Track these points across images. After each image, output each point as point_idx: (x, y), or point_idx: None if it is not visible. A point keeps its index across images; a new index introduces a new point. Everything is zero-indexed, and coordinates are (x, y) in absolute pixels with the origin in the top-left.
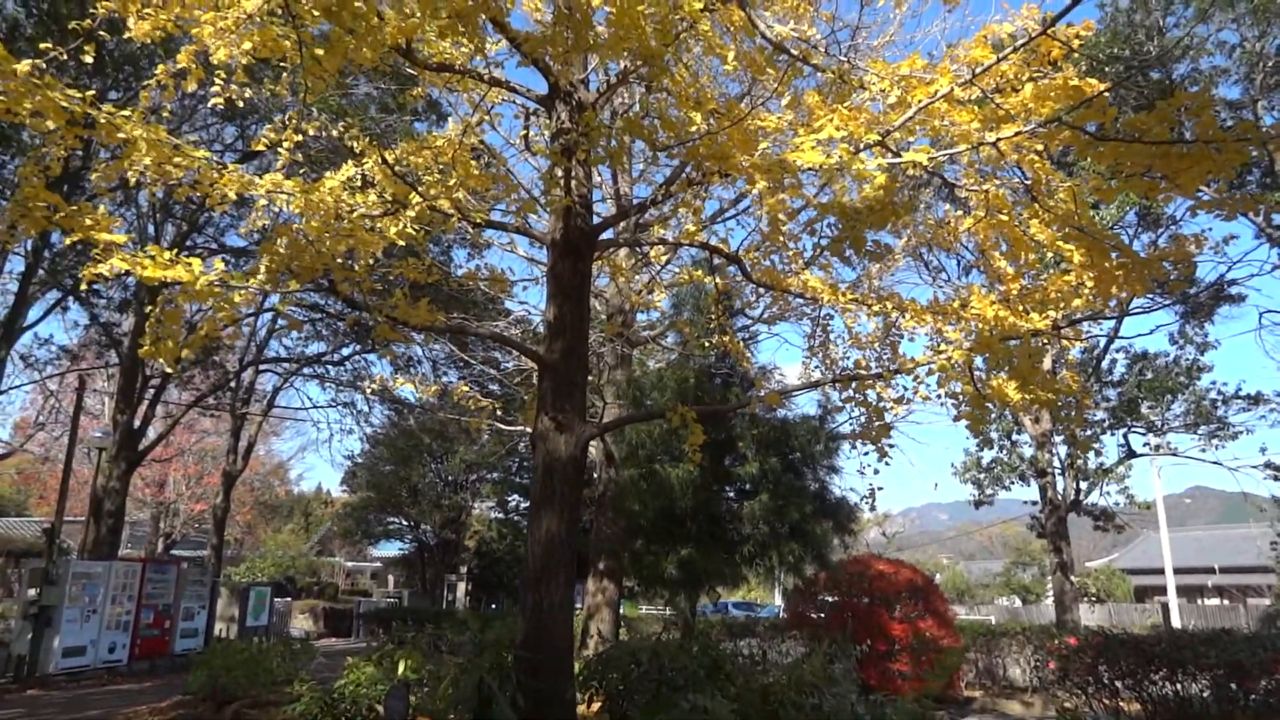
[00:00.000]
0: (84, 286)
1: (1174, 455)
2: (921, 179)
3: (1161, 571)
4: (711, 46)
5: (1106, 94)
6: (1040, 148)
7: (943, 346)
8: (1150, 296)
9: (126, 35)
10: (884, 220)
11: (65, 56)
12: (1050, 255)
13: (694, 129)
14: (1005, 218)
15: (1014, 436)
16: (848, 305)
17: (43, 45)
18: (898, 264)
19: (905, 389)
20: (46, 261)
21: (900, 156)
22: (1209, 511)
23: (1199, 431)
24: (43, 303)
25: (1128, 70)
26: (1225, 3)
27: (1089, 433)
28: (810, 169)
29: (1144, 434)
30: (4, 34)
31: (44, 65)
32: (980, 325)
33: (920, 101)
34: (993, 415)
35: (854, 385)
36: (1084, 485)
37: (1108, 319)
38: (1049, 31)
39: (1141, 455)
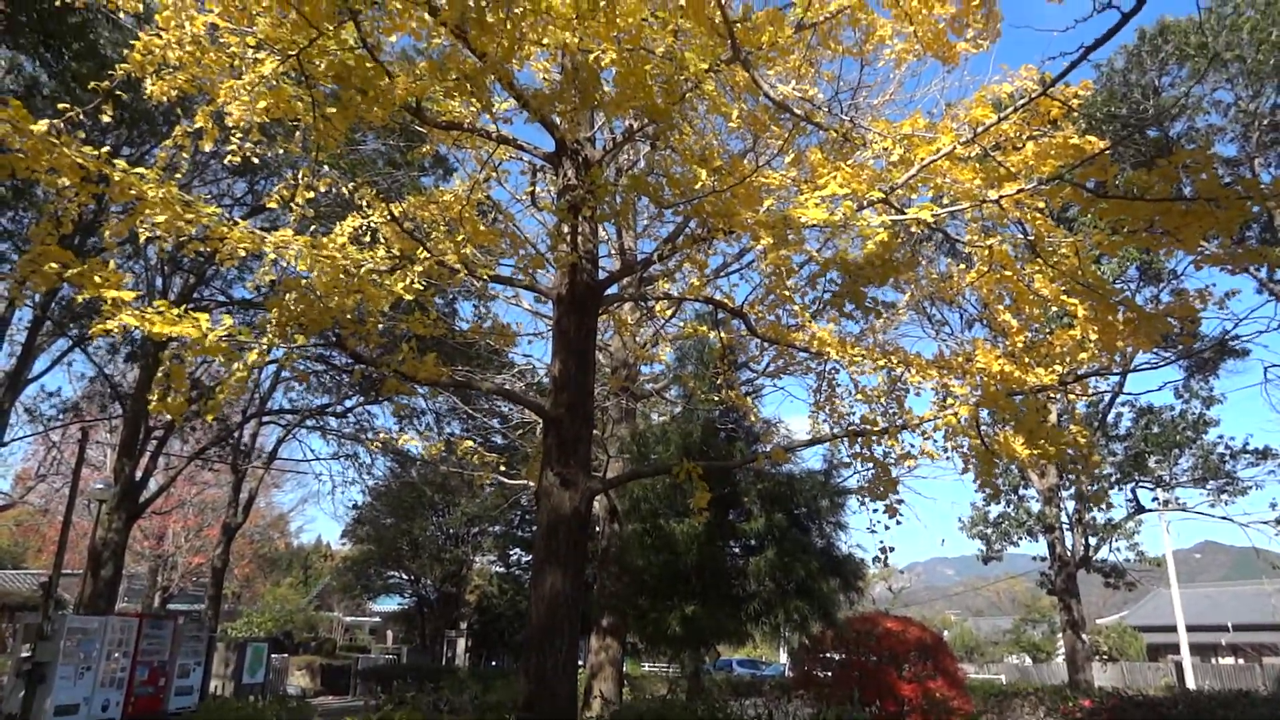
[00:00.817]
0: (92, 340)
1: (1183, 510)
2: (924, 234)
3: (1174, 629)
4: (716, 105)
5: (1106, 152)
6: (1042, 204)
7: (949, 401)
8: (1155, 352)
9: (144, 93)
10: (885, 276)
11: (82, 117)
12: (1054, 310)
13: (699, 185)
14: (1009, 272)
15: (1020, 491)
16: (853, 360)
17: (61, 106)
18: (901, 318)
19: (912, 445)
20: (54, 313)
21: (904, 213)
22: (1220, 567)
23: (1207, 486)
24: (48, 354)
25: (1125, 128)
26: (1219, 64)
27: (1097, 487)
28: (815, 225)
29: (1152, 489)
30: (22, 91)
31: (61, 125)
32: (986, 380)
33: (923, 160)
34: (999, 469)
35: (860, 440)
36: (1093, 541)
37: (1112, 375)
38: (1048, 92)
39: (1150, 510)
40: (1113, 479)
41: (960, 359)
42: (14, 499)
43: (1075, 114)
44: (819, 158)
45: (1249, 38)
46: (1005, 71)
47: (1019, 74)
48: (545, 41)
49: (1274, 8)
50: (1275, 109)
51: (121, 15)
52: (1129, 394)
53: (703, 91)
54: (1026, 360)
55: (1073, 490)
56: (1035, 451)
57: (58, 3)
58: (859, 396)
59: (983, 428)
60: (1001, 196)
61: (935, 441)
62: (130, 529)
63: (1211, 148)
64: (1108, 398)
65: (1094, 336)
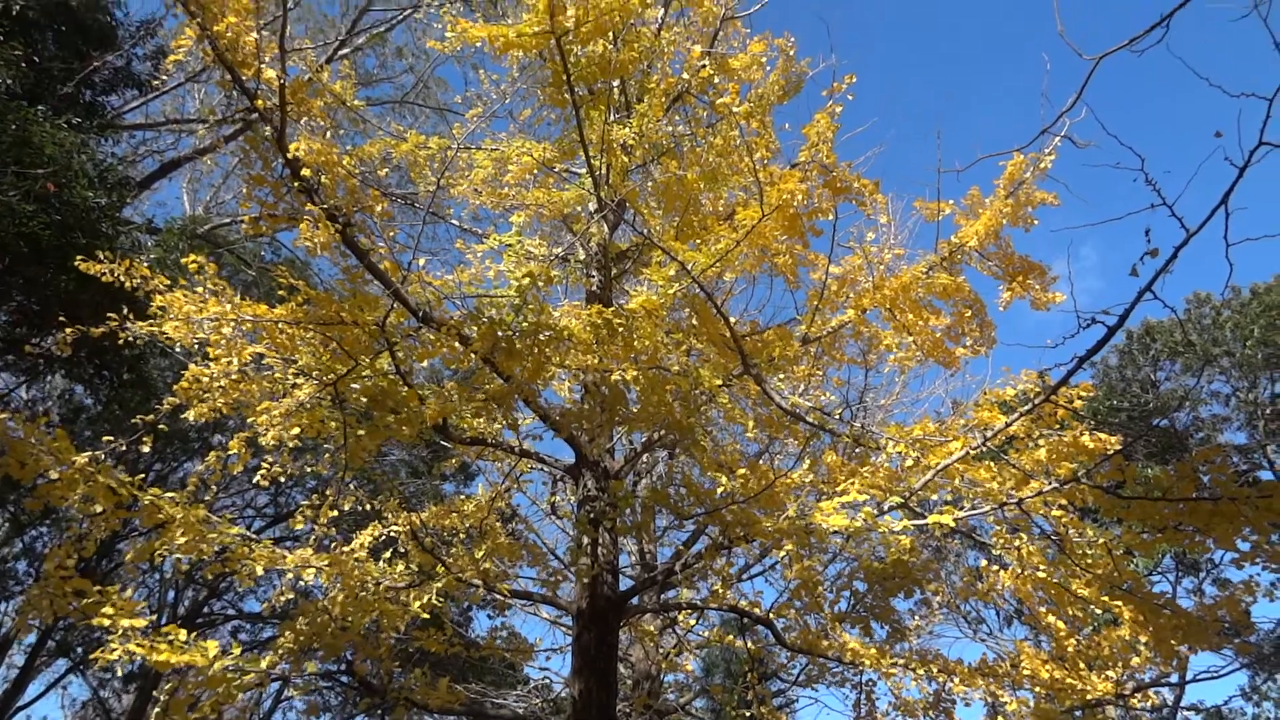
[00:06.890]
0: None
1: None
2: (950, 534)
3: None
4: (732, 415)
5: (1119, 452)
6: (1065, 501)
7: (1000, 717)
8: (1214, 651)
9: (182, 416)
10: (910, 586)
11: (124, 448)
12: (1097, 610)
13: (720, 492)
14: (1042, 573)
15: None
16: (889, 671)
17: (106, 438)
18: (935, 620)
19: None
20: (58, 633)
21: (924, 517)
22: None
23: None
24: (45, 676)
25: (1130, 421)
26: (1208, 359)
27: None
28: (836, 532)
29: None
30: (68, 414)
31: (102, 456)
32: (1036, 689)
33: (937, 464)
34: None
35: None
36: None
37: (1172, 685)
38: (1052, 398)
39: None
40: None
41: (1006, 665)
42: None
43: (1082, 415)
44: (835, 460)
45: (1232, 334)
46: (1006, 374)
47: (1020, 378)
48: (568, 363)
49: (1249, 307)
50: (1275, 399)
51: (177, 348)
52: (1187, 708)
53: (718, 403)
54: (1081, 666)
55: None
56: None
57: (120, 340)
58: (901, 710)
59: None
60: (1022, 499)
61: None
62: None
63: (1219, 436)
64: (1170, 701)
65: (1145, 639)
